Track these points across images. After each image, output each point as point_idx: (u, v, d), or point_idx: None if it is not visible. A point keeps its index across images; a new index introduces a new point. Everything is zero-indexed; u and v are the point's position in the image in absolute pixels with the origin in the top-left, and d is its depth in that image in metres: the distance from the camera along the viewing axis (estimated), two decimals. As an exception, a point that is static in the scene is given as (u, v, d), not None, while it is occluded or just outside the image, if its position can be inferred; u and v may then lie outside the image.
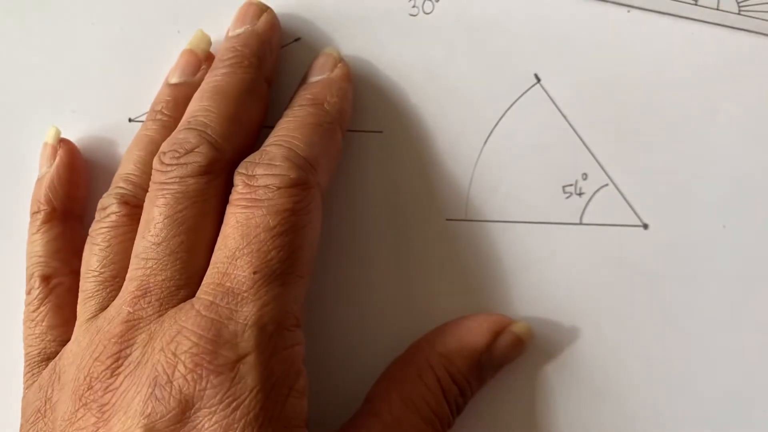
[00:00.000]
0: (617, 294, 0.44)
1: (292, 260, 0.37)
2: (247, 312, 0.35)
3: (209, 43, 0.44)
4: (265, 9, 0.43)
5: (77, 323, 0.40)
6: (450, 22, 0.44)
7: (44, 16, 0.45)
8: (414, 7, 0.44)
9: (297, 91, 0.43)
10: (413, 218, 0.44)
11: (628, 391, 0.44)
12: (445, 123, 0.44)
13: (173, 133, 0.40)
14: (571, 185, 0.44)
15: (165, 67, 0.44)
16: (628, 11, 0.44)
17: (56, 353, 0.41)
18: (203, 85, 0.41)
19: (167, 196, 0.38)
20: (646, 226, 0.44)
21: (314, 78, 0.43)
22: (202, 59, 0.44)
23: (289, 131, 0.40)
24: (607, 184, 0.44)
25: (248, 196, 0.37)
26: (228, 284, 0.36)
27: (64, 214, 0.44)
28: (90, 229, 0.41)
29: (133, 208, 0.40)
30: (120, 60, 0.45)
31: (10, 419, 0.44)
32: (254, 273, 0.36)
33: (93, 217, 0.41)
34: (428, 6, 0.44)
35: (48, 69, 0.46)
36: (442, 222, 0.44)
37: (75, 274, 0.42)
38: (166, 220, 0.38)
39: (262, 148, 0.39)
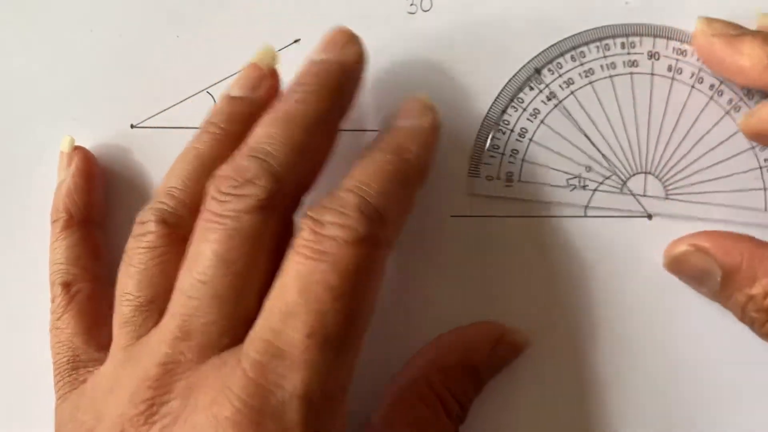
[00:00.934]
0: (624, 285, 0.44)
1: (349, 326, 0.34)
2: (296, 380, 0.33)
3: (275, 59, 0.43)
4: (355, 39, 0.41)
5: (114, 346, 0.39)
6: (448, 18, 0.44)
7: (43, 24, 0.45)
8: (412, 5, 0.44)
9: (380, 134, 0.41)
10: (417, 215, 0.43)
11: (635, 381, 0.44)
12: (446, 119, 0.43)
13: (234, 157, 0.38)
14: (575, 178, 0.44)
15: (165, 72, 0.45)
16: (627, 2, 0.44)
17: (84, 359, 0.41)
18: (274, 110, 0.39)
19: (219, 231, 0.36)
20: (650, 217, 0.44)
21: (401, 123, 0.40)
22: (266, 75, 0.42)
23: (365, 177, 0.37)
24: (610, 176, 0.44)
25: (313, 246, 0.35)
26: (278, 344, 0.34)
27: (82, 221, 0.43)
28: (126, 246, 0.39)
29: (172, 227, 0.38)
30: (120, 66, 0.45)
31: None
32: (308, 337, 0.33)
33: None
34: (426, 3, 0.44)
35: (48, 77, 0.46)
36: (447, 219, 0.44)
37: (96, 279, 0.42)
38: (215, 258, 0.36)
39: (334, 191, 0.37)
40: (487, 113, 0.44)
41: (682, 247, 0.41)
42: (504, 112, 0.44)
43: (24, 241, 0.45)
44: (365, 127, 0.45)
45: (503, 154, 0.44)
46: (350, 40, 0.41)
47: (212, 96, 0.45)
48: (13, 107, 0.46)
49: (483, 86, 0.44)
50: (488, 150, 0.44)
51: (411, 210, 0.39)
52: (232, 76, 0.44)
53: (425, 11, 0.44)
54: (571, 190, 0.44)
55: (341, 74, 0.40)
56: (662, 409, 0.44)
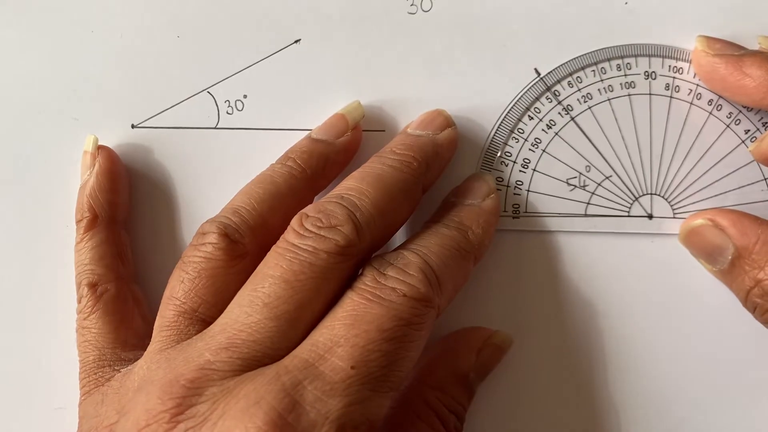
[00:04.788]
0: (624, 283, 0.44)
1: (390, 369, 0.36)
2: (332, 406, 0.34)
3: (362, 116, 0.44)
4: (451, 124, 0.44)
5: (151, 348, 0.39)
6: (448, 19, 0.45)
7: (44, 25, 0.46)
8: (412, 5, 0.45)
9: (444, 208, 0.43)
10: (418, 216, 0.44)
11: (635, 380, 0.44)
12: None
13: (323, 200, 0.39)
14: (575, 178, 0.44)
15: (166, 72, 0.45)
16: (626, 3, 0.44)
17: (110, 359, 0.41)
18: (367, 167, 0.41)
19: (294, 261, 0.37)
20: (650, 217, 0.44)
21: (466, 201, 0.43)
22: (350, 127, 0.44)
23: (429, 246, 0.39)
24: (610, 176, 0.44)
25: (373, 291, 0.37)
26: (321, 368, 0.35)
27: (106, 221, 0.44)
28: (183, 253, 0.40)
29: (232, 243, 0.39)
30: (121, 66, 0.46)
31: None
32: (352, 368, 0.35)
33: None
34: (426, 4, 0.45)
35: (49, 77, 0.46)
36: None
37: (120, 279, 0.43)
38: (282, 284, 0.37)
39: (398, 250, 0.39)
40: (489, 145, 0.45)
41: (700, 221, 0.42)
42: (506, 143, 0.44)
43: (25, 240, 0.45)
44: (368, 127, 0.45)
45: (508, 186, 0.44)
46: (446, 123, 0.44)
47: (212, 96, 0.45)
48: (14, 107, 0.46)
49: (484, 86, 0.45)
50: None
51: (464, 285, 0.41)
52: (232, 75, 0.45)
53: (425, 11, 0.45)
54: (571, 190, 0.44)
55: (432, 152, 0.42)
56: (662, 407, 0.43)
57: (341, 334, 0.35)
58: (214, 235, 0.39)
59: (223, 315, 0.37)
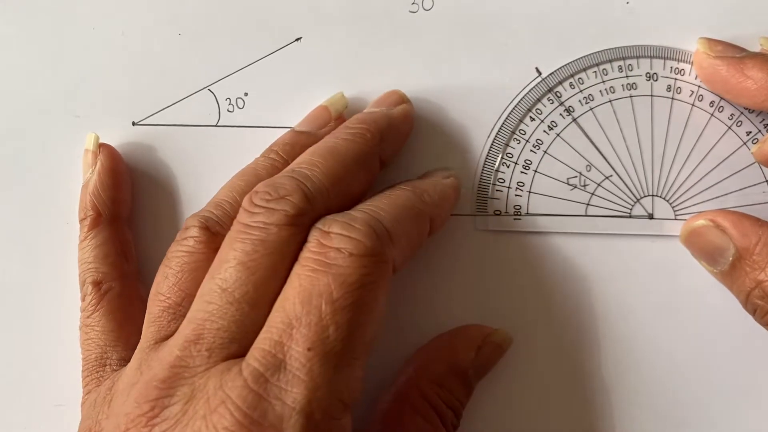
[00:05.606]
0: (625, 284, 0.44)
1: (350, 340, 0.34)
2: (296, 395, 0.33)
3: (345, 107, 0.44)
4: (405, 100, 0.44)
5: (139, 346, 0.39)
6: (449, 17, 0.45)
7: (46, 22, 0.46)
8: (414, 3, 0.45)
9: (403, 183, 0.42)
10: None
11: (635, 380, 0.43)
12: (448, 119, 0.44)
13: (273, 177, 0.39)
14: (575, 177, 0.44)
15: (167, 70, 0.45)
16: (627, 2, 0.44)
17: (112, 357, 0.41)
18: (320, 143, 0.41)
19: (246, 241, 0.36)
20: (651, 216, 0.44)
21: (427, 176, 0.43)
22: (332, 118, 0.44)
23: (378, 204, 0.38)
24: (611, 175, 0.44)
25: (317, 258, 0.35)
26: (280, 356, 0.34)
27: (109, 219, 0.44)
28: (168, 250, 0.40)
29: (213, 235, 0.39)
30: (122, 64, 0.46)
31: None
32: (308, 350, 0.33)
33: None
34: (428, 2, 0.45)
35: (51, 75, 0.46)
36: (448, 218, 0.44)
37: (124, 277, 0.43)
38: (238, 266, 0.36)
39: (346, 211, 0.38)
40: (490, 145, 0.45)
41: (701, 221, 0.41)
42: (507, 145, 0.44)
43: (26, 238, 0.45)
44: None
45: (509, 187, 0.44)
46: (400, 100, 0.44)
47: (213, 94, 0.45)
48: (15, 105, 0.46)
49: (485, 85, 0.44)
50: (494, 183, 0.45)
51: (419, 246, 0.40)
52: (233, 73, 0.45)
53: (426, 10, 0.45)
54: (571, 190, 0.44)
55: (386, 125, 0.42)
56: (661, 408, 0.43)
57: (293, 315, 0.34)
58: (195, 229, 0.39)
59: (189, 309, 0.37)
